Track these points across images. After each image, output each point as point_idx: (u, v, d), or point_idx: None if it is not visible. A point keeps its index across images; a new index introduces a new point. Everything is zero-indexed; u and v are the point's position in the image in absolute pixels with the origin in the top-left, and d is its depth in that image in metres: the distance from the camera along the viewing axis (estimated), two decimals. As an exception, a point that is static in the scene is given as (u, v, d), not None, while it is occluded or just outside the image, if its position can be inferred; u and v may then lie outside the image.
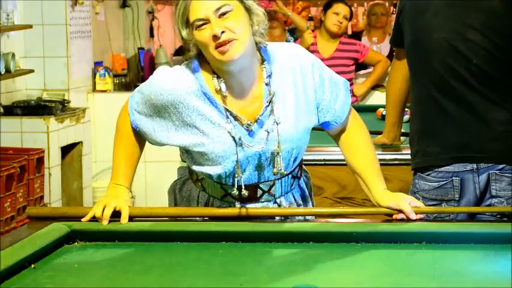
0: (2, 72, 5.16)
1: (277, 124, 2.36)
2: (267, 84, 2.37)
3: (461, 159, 2.78)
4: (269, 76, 2.37)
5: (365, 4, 8.91)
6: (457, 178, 2.78)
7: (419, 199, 2.83)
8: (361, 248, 2.21)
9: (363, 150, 2.50)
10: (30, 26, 5.55)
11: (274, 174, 2.41)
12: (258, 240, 2.25)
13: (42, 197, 5.30)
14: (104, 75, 6.34)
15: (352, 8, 6.29)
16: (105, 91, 6.33)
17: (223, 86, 2.34)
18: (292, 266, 2.07)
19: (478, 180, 2.78)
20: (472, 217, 2.75)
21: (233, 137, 2.35)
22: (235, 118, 2.36)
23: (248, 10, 2.32)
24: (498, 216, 2.71)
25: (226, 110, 2.35)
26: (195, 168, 2.45)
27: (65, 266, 2.08)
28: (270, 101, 2.36)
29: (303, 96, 2.42)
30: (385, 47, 6.53)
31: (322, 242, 2.23)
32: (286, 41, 6.73)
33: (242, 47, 2.26)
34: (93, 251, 2.22)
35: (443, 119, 2.82)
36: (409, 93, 3.33)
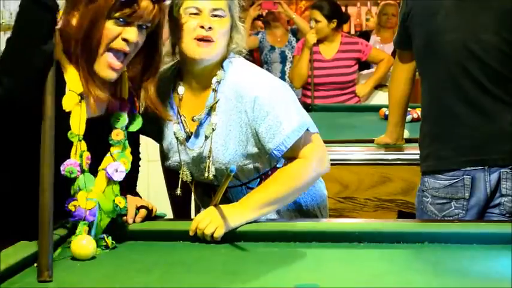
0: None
1: (213, 130, 2.43)
2: (214, 90, 2.43)
3: (474, 163, 2.77)
4: (218, 83, 2.43)
5: (368, 4, 8.91)
6: (468, 177, 2.77)
7: (428, 197, 2.83)
8: (363, 247, 2.21)
9: (272, 177, 2.44)
10: (33, 25, 5.53)
11: (209, 179, 2.46)
12: (260, 239, 2.25)
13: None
14: (106, 75, 6.33)
15: (356, 8, 6.27)
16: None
17: (181, 89, 2.48)
18: (294, 265, 2.07)
19: (489, 179, 2.77)
20: (481, 216, 2.75)
21: (176, 138, 2.49)
22: (182, 122, 2.48)
23: (232, 27, 2.46)
24: (507, 215, 2.72)
25: (178, 112, 2.49)
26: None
27: (67, 265, 2.08)
28: (212, 107, 2.43)
29: (235, 123, 2.43)
30: (392, 47, 6.51)
31: (324, 241, 2.23)
32: (288, 41, 6.71)
33: (214, 51, 2.40)
34: (95, 250, 2.22)
35: (455, 121, 2.80)
36: (412, 94, 3.34)
